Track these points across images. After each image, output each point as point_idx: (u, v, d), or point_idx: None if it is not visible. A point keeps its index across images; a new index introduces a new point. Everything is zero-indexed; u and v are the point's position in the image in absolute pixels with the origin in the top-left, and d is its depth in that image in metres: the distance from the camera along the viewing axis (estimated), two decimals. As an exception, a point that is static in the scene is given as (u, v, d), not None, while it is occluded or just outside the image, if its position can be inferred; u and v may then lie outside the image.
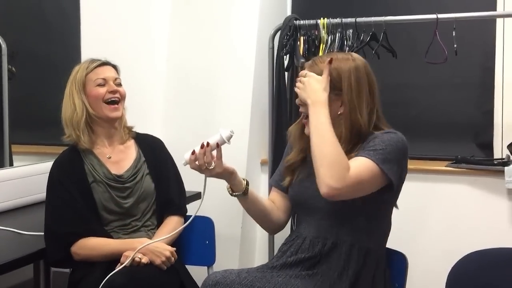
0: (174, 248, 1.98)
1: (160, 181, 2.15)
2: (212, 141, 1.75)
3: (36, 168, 2.59)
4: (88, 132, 2.08)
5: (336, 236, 1.72)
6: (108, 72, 2.11)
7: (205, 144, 1.74)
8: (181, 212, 2.18)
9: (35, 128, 2.95)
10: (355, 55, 1.81)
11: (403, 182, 1.76)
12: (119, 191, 2.06)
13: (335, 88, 1.71)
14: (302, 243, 1.76)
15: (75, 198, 1.98)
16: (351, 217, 1.72)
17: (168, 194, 2.16)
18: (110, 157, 2.10)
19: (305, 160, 1.82)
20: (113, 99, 2.08)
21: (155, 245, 1.95)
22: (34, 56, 2.99)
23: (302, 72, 1.76)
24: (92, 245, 1.96)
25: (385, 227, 1.80)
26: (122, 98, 2.13)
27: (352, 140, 1.72)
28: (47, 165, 2.62)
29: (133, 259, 1.88)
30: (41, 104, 3.00)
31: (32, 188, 2.50)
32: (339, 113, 1.72)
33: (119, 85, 2.13)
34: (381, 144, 1.66)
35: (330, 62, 1.71)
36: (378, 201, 1.71)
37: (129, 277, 1.83)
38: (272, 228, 1.94)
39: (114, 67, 2.16)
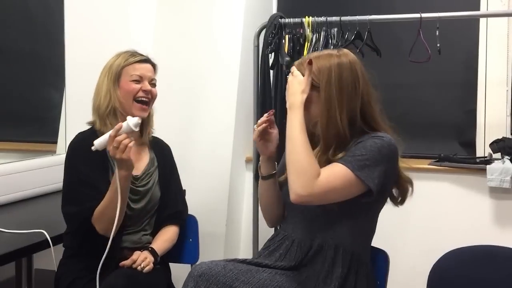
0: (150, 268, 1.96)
1: (168, 190, 2.13)
2: None
3: (18, 165, 2.57)
4: (112, 124, 1.98)
5: (322, 239, 1.72)
6: (146, 70, 2.05)
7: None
8: (184, 223, 2.20)
9: (18, 125, 2.93)
10: (345, 51, 1.77)
11: (387, 187, 1.72)
12: (131, 192, 2.01)
13: (318, 86, 1.70)
14: (291, 246, 1.76)
15: (95, 179, 1.93)
16: (336, 220, 1.72)
17: (177, 206, 2.16)
18: None
19: None
20: (144, 99, 2.03)
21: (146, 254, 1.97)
22: (18, 52, 2.97)
23: (292, 69, 1.76)
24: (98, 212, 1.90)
25: (369, 231, 1.80)
26: (153, 98, 2.07)
27: (332, 141, 1.69)
28: (30, 162, 2.62)
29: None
30: (25, 101, 2.98)
31: (15, 185, 2.48)
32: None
33: (154, 85, 2.07)
34: (362, 150, 1.65)
35: (310, 63, 1.69)
36: (358, 206, 1.69)
37: (127, 279, 1.83)
38: (273, 219, 1.93)
39: (153, 66, 2.10)
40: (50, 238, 1.97)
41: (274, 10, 3.26)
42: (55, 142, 2.87)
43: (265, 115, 1.83)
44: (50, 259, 2.01)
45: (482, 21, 2.92)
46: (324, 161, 1.68)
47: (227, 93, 2.97)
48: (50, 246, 1.96)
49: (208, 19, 3.00)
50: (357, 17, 2.67)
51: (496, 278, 1.77)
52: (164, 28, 3.04)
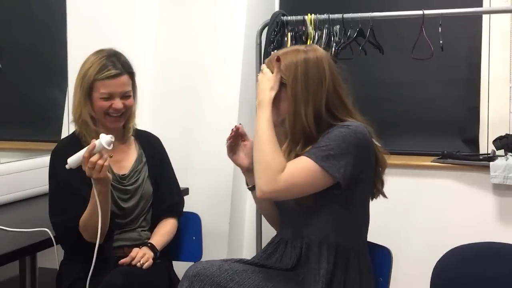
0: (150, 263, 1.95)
1: (161, 184, 2.12)
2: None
3: (22, 164, 2.57)
4: (90, 129, 1.98)
5: (308, 236, 1.72)
6: (116, 86, 1.96)
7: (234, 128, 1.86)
8: (181, 215, 2.20)
9: (21, 124, 2.94)
10: (313, 47, 1.77)
11: (361, 176, 1.68)
12: (120, 192, 2.02)
13: (285, 82, 1.70)
14: (285, 248, 1.77)
15: (77, 187, 1.92)
16: (314, 215, 1.71)
17: (172, 198, 2.15)
18: (111, 156, 1.97)
19: None
20: (115, 114, 1.99)
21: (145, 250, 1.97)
22: (20, 52, 2.97)
23: (262, 67, 1.77)
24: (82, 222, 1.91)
25: (358, 222, 1.77)
26: (127, 110, 2.01)
27: (299, 137, 1.69)
28: (33, 161, 2.62)
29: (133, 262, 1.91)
30: (27, 100, 2.98)
31: (18, 184, 2.48)
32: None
33: (127, 97, 2.00)
34: (327, 140, 1.64)
35: (278, 60, 1.70)
36: (333, 198, 1.68)
37: (126, 277, 1.83)
38: (279, 224, 1.91)
39: (129, 74, 2.01)
40: (54, 237, 1.97)
41: (276, 8, 3.26)
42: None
43: (231, 130, 1.85)
44: (53, 258, 2.01)
45: (485, 17, 2.91)
46: (293, 157, 1.68)
47: (229, 91, 2.96)
48: (53, 245, 1.96)
49: (210, 17, 2.99)
50: (359, 14, 2.67)
51: (499, 275, 1.76)
52: (166, 26, 3.04)
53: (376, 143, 1.75)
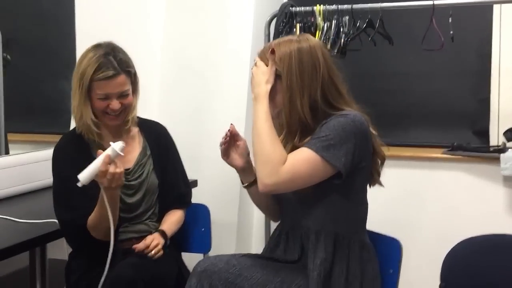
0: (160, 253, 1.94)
1: (167, 175, 2.11)
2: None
3: (32, 156, 2.59)
4: (92, 127, 1.96)
5: (307, 226, 1.71)
6: (112, 87, 1.92)
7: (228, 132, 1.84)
8: (188, 205, 2.19)
9: (30, 116, 2.95)
10: (306, 36, 1.76)
11: (361, 165, 1.68)
12: (124, 187, 2.00)
13: (280, 74, 1.69)
14: (287, 239, 1.77)
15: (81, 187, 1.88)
16: (313, 205, 1.70)
17: (179, 189, 2.14)
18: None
19: None
20: (113, 113, 1.96)
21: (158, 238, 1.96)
22: (29, 44, 2.99)
23: (255, 59, 1.75)
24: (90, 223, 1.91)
25: (357, 211, 1.76)
26: (127, 108, 1.98)
27: (296, 128, 1.68)
28: (43, 153, 2.63)
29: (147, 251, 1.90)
30: (37, 92, 3.00)
31: (28, 176, 2.49)
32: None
33: (125, 96, 1.96)
34: (326, 131, 1.63)
35: (272, 52, 1.69)
36: (332, 188, 1.67)
37: (134, 269, 1.82)
38: (276, 215, 1.92)
39: (127, 72, 1.96)
40: (63, 228, 1.97)
41: (285, -1, 3.24)
42: (68, 133, 2.89)
43: (224, 135, 1.83)
44: (63, 249, 2.02)
45: (496, 7, 2.88)
46: (290, 149, 1.67)
47: (238, 82, 2.96)
48: (63, 236, 1.97)
49: (219, 8, 2.98)
50: (368, 4, 2.65)
51: (510, 267, 1.75)
52: (175, 18, 3.04)
53: (373, 131, 1.74)
